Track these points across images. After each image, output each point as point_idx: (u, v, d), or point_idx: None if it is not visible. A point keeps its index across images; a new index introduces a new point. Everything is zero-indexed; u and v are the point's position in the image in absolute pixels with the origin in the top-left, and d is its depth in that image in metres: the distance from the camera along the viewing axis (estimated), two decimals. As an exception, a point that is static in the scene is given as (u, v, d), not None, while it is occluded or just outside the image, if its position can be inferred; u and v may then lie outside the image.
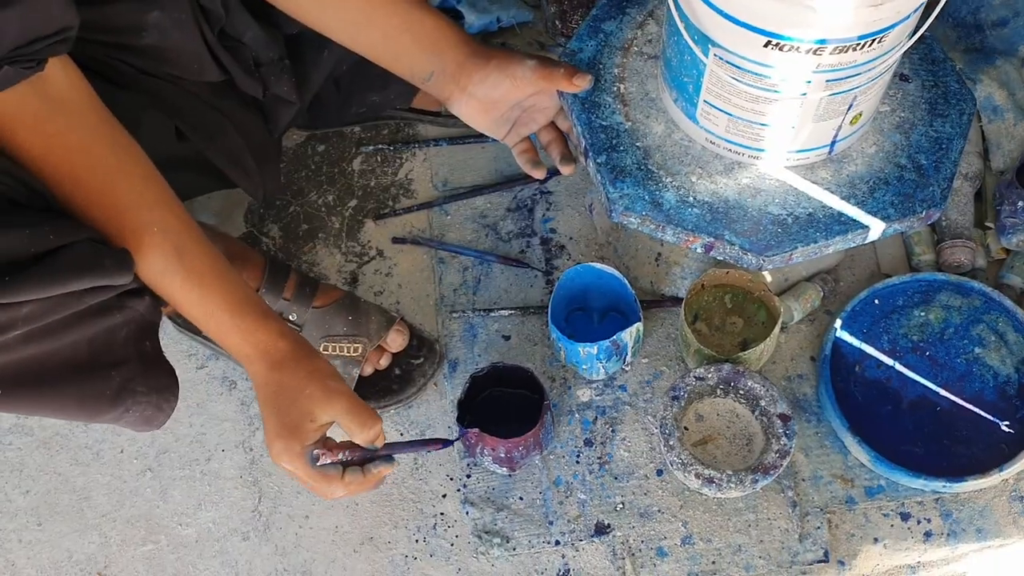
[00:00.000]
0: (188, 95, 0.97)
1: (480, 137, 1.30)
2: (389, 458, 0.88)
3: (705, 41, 0.87)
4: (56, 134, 0.74)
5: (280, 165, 1.17)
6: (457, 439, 0.99)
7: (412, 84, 1.28)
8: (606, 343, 1.03)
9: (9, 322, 0.69)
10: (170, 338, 1.17)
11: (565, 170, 1.05)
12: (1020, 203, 1.08)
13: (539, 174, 1.07)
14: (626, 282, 1.06)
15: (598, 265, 1.07)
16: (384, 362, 1.13)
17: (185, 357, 1.18)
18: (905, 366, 1.09)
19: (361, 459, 0.86)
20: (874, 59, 0.86)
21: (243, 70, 0.99)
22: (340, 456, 0.85)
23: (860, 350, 1.10)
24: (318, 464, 0.84)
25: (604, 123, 0.99)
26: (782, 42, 0.82)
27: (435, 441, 0.93)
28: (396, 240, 1.25)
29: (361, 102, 1.26)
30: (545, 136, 1.06)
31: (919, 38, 0.89)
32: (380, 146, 1.31)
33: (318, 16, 0.96)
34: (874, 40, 0.83)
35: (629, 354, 1.09)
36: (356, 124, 1.33)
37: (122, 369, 0.82)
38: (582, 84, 0.98)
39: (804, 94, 0.88)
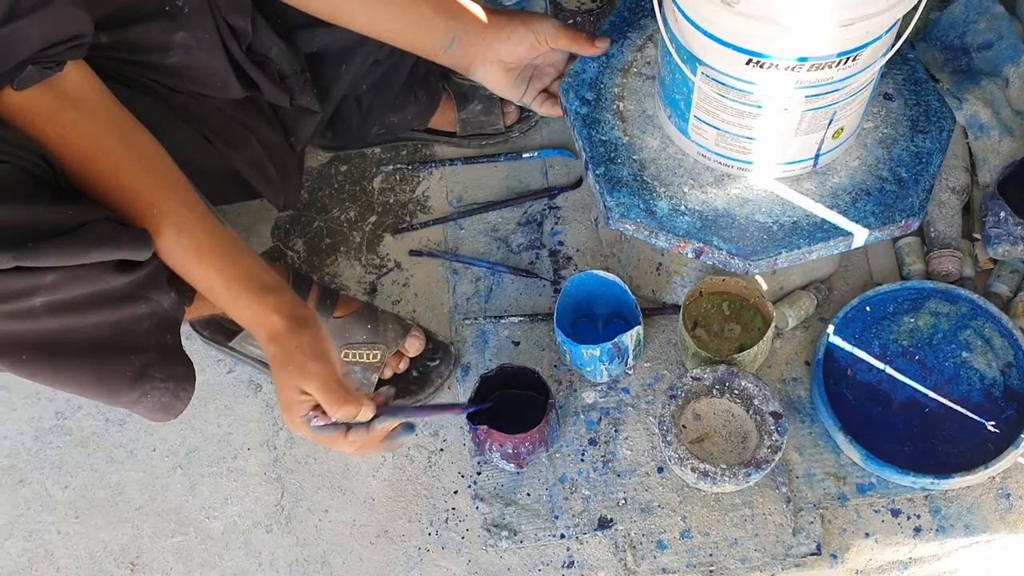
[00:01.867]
0: (214, 110, 1.05)
1: (492, 157, 1.38)
2: (394, 416, 0.91)
3: (693, 61, 0.94)
4: (69, 124, 0.81)
5: (301, 178, 1.25)
6: (471, 410, 0.97)
7: (428, 105, 1.36)
8: (608, 345, 1.09)
9: (32, 288, 0.75)
10: (199, 345, 1.25)
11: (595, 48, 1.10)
12: (1003, 214, 1.13)
13: (557, 111, 1.13)
14: (627, 288, 1.12)
15: (600, 272, 1.13)
16: (403, 366, 1.20)
17: (214, 363, 1.26)
18: (895, 369, 1.14)
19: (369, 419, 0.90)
20: (851, 75, 0.92)
21: (270, 82, 1.08)
22: (334, 419, 0.89)
23: (852, 355, 1.15)
24: (312, 425, 0.89)
25: (604, 138, 1.07)
26: (763, 60, 0.89)
27: (449, 407, 0.95)
28: (413, 253, 1.32)
29: (381, 123, 1.34)
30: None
31: (893, 56, 0.95)
32: (399, 165, 1.39)
33: (337, 5, 1.03)
34: (849, 58, 0.90)
35: (631, 357, 1.15)
36: (376, 145, 1.41)
37: (142, 356, 0.88)
38: (603, 47, 1.08)
39: (786, 109, 0.94)
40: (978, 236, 1.21)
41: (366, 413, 0.90)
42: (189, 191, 0.88)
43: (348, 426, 0.90)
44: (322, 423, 0.89)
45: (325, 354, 0.89)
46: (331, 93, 1.19)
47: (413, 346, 1.19)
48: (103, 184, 0.83)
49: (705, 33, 0.89)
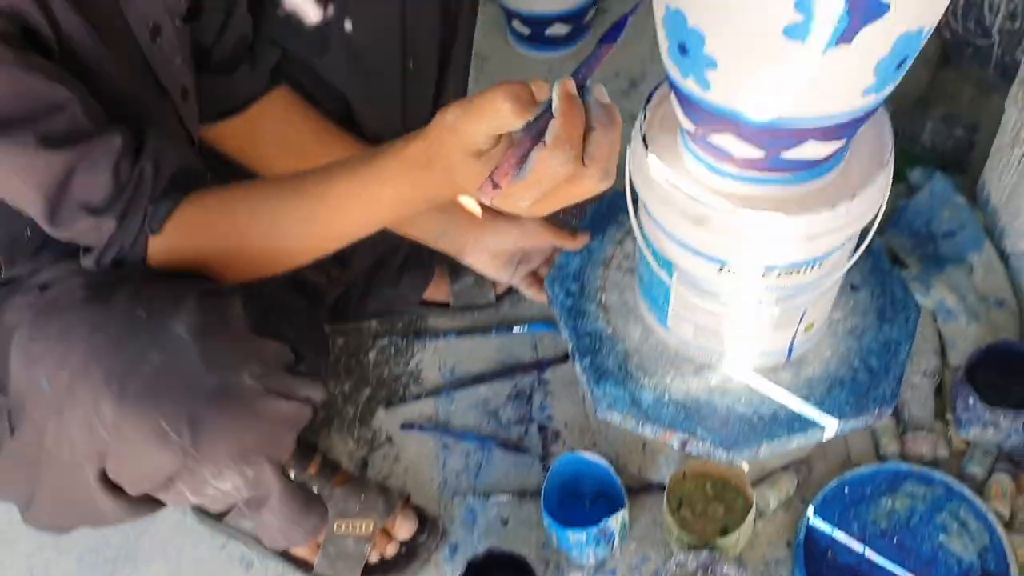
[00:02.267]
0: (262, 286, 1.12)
1: (484, 330, 1.43)
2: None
3: (668, 266, 1.00)
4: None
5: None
6: (621, 26, 0.78)
7: (423, 279, 1.43)
8: (594, 529, 1.11)
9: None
10: (191, 521, 1.27)
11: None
12: (971, 399, 1.17)
13: (542, 296, 1.22)
14: (612, 471, 1.15)
15: (586, 455, 1.17)
16: (391, 550, 1.21)
17: (208, 536, 1.27)
18: (874, 551, 1.16)
19: (537, 134, 0.71)
20: (819, 278, 0.98)
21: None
22: (507, 166, 0.71)
23: (831, 536, 1.17)
24: (511, 182, 0.71)
25: (588, 329, 1.12)
26: (733, 268, 0.95)
27: (608, 36, 0.76)
28: (404, 426, 1.35)
29: (378, 297, 1.41)
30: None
31: (859, 258, 1.02)
32: (394, 338, 1.44)
33: None
34: (816, 264, 0.96)
35: (616, 539, 1.17)
36: (373, 318, 1.46)
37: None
38: (584, 241, 1.18)
39: (759, 309, 1.00)
40: (950, 417, 1.25)
41: (541, 85, 0.74)
42: (289, 181, 0.89)
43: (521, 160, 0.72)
44: (492, 185, 0.72)
45: (457, 102, 0.76)
46: (351, 264, 1.27)
47: (404, 528, 1.21)
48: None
49: (679, 243, 0.96)
